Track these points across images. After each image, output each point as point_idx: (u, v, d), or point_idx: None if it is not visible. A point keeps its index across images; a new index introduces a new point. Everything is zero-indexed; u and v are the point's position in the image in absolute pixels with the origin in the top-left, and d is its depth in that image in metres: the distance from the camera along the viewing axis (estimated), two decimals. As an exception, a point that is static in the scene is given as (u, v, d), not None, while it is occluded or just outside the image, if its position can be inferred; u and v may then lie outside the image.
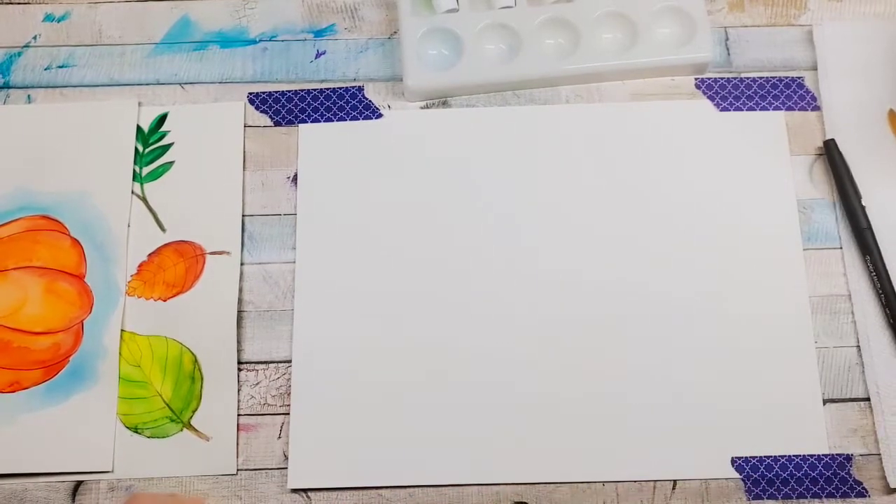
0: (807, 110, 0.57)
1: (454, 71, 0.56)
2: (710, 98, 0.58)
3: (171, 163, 0.57)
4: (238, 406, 0.52)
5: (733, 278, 0.53)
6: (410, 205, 0.55)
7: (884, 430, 0.51)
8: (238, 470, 0.51)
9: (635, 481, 0.50)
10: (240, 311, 0.54)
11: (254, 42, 0.60)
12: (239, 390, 0.53)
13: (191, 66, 0.59)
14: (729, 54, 0.59)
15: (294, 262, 0.55)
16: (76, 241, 0.55)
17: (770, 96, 0.57)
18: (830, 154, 0.56)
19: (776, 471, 0.50)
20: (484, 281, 0.54)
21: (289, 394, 0.52)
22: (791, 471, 0.50)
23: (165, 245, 0.55)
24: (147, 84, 0.59)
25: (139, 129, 0.58)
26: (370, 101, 0.58)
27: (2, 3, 0.61)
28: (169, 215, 0.56)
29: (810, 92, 0.58)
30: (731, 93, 0.58)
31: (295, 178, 0.56)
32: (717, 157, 0.56)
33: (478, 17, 0.57)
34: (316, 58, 0.59)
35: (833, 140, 0.56)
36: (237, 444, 0.52)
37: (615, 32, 0.58)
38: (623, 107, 0.57)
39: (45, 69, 0.59)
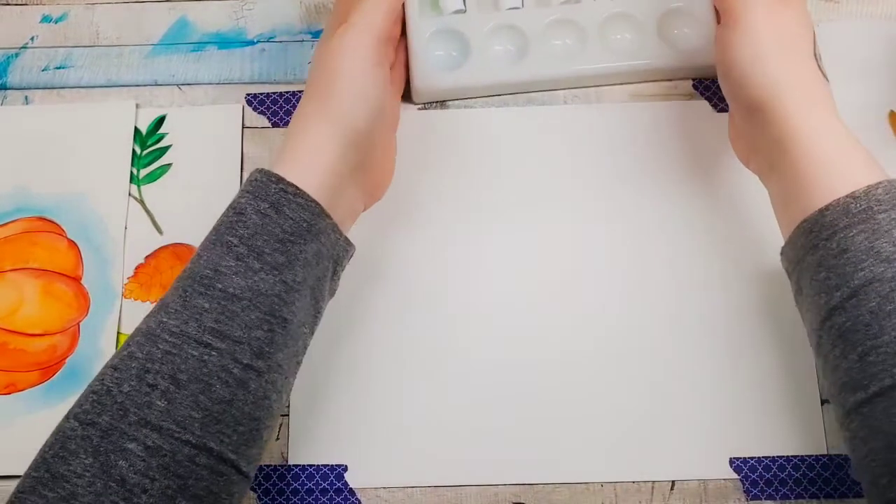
0: (804, 111, 0.57)
1: (462, 72, 0.56)
2: (708, 99, 0.58)
3: (169, 165, 0.57)
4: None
5: (731, 279, 0.53)
6: (408, 205, 0.55)
7: (882, 430, 0.51)
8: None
9: (634, 482, 0.50)
10: (237, 313, 0.54)
11: (252, 43, 0.60)
12: (236, 392, 0.52)
13: (189, 68, 0.59)
14: (726, 55, 0.59)
15: (292, 263, 0.55)
16: (73, 243, 0.55)
17: (768, 97, 0.57)
18: (829, 155, 0.56)
19: (774, 471, 0.50)
20: (483, 282, 0.53)
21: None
22: (789, 471, 0.50)
23: (162, 248, 0.55)
24: (145, 85, 0.59)
25: (137, 131, 0.57)
26: (368, 102, 0.58)
27: (-1, 5, 0.61)
28: (166, 218, 0.56)
29: (808, 93, 0.58)
30: (729, 94, 0.58)
31: (293, 180, 0.56)
32: (714, 158, 0.56)
33: (485, 18, 0.57)
34: (314, 59, 0.59)
35: (832, 141, 0.56)
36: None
37: (623, 34, 0.57)
38: (621, 107, 0.57)
39: (43, 70, 0.59)
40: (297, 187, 0.43)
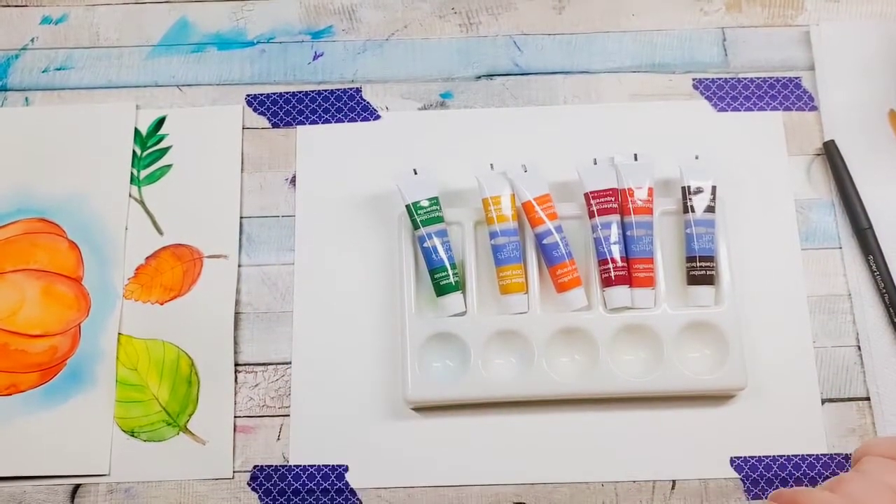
0: (804, 110, 0.57)
1: (459, 385, 0.51)
2: (708, 99, 0.58)
3: (169, 166, 0.57)
4: (235, 410, 0.52)
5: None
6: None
7: (884, 430, 0.51)
8: (234, 473, 0.51)
9: (634, 481, 0.50)
10: (238, 313, 0.54)
11: (251, 44, 0.60)
12: (236, 393, 0.52)
13: (189, 68, 0.59)
14: (726, 55, 0.59)
15: (293, 263, 0.55)
16: (74, 244, 0.55)
17: (767, 97, 0.57)
18: (831, 155, 0.56)
19: (775, 470, 0.50)
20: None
21: (288, 395, 0.52)
22: (790, 470, 0.50)
23: (163, 248, 0.55)
24: (145, 86, 0.59)
25: (137, 132, 0.57)
26: (368, 102, 0.58)
27: (-1, 6, 0.61)
28: (166, 218, 0.56)
29: (808, 92, 0.58)
30: (729, 93, 0.58)
31: (293, 180, 0.56)
32: (714, 158, 0.56)
33: (487, 323, 0.51)
34: (314, 59, 0.59)
35: (833, 141, 0.56)
36: (233, 448, 0.51)
37: (638, 353, 0.52)
38: (621, 107, 0.57)
39: (43, 71, 0.59)
40: None
